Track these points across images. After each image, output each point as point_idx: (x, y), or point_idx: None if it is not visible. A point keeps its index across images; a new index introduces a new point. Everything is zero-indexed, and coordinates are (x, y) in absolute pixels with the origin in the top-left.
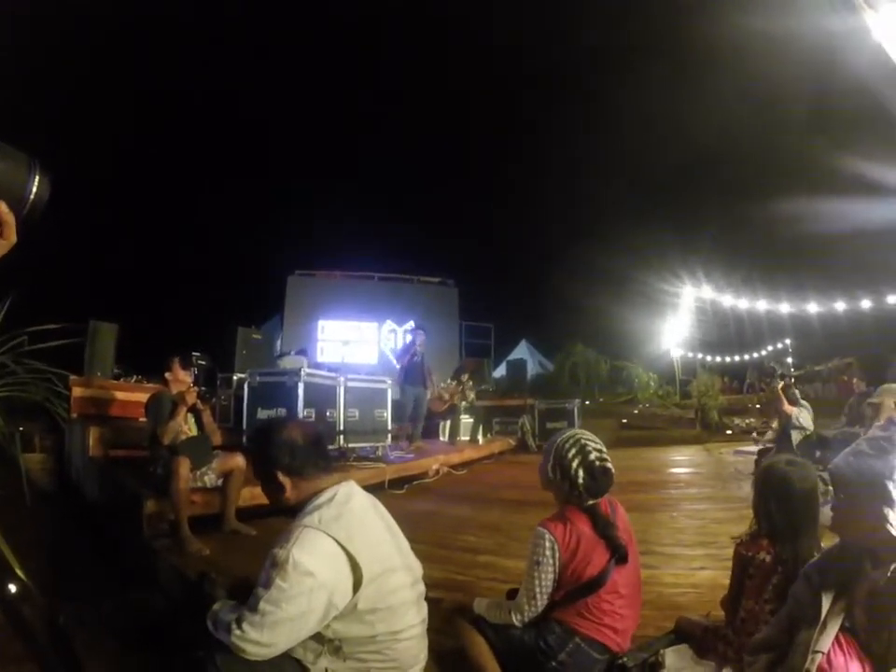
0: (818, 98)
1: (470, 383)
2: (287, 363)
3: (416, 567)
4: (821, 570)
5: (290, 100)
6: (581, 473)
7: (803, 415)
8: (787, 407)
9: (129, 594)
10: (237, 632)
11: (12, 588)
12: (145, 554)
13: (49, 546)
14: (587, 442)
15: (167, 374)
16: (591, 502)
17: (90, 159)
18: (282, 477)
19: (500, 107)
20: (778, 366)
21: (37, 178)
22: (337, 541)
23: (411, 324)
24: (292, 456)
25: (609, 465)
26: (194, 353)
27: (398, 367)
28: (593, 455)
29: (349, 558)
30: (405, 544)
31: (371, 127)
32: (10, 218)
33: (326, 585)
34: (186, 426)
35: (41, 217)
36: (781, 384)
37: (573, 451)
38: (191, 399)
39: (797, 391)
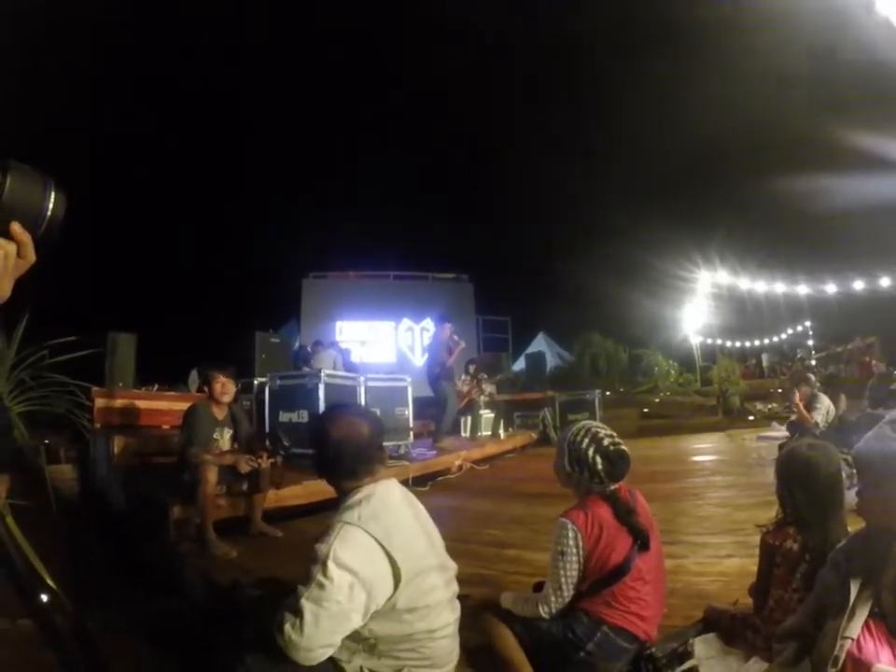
0: (829, 74)
1: (485, 376)
2: (320, 362)
3: (451, 565)
4: (848, 555)
5: (298, 102)
6: (598, 459)
7: (828, 409)
8: (809, 418)
9: (156, 599)
10: (280, 634)
11: (43, 598)
12: (171, 559)
13: (76, 554)
14: (598, 430)
15: (205, 388)
16: (612, 488)
17: (100, 166)
18: (317, 464)
19: (510, 100)
20: (801, 351)
21: (53, 196)
22: (376, 539)
23: (428, 320)
24: (328, 455)
25: (624, 447)
26: (195, 369)
27: (446, 365)
28: (606, 441)
29: (388, 556)
30: (440, 543)
31: (379, 124)
32: (27, 238)
33: (365, 582)
34: (220, 441)
35: (59, 234)
36: (798, 395)
37: (586, 440)
38: (243, 468)
39: (813, 376)
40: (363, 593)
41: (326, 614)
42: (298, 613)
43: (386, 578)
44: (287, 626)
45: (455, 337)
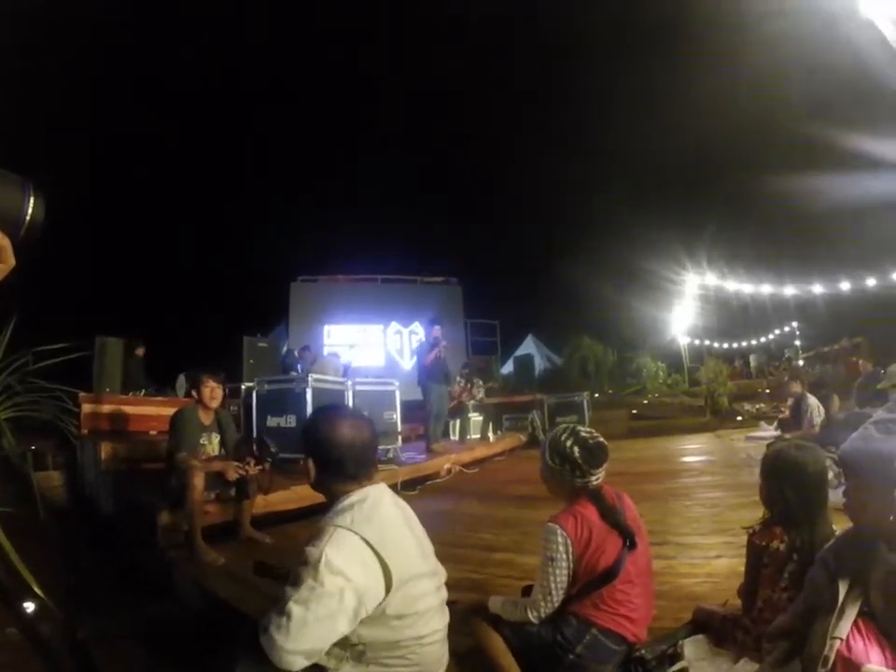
0: (815, 75)
1: (480, 382)
2: (321, 368)
3: (440, 572)
4: (837, 555)
5: (286, 105)
6: (576, 449)
7: (817, 409)
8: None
9: (145, 604)
10: (264, 635)
11: (30, 606)
12: (160, 566)
13: (64, 561)
14: (575, 426)
15: (193, 392)
16: (595, 482)
17: (88, 171)
18: (311, 465)
19: (499, 103)
20: (788, 351)
21: (32, 200)
22: (368, 544)
23: (417, 324)
24: (328, 458)
25: (602, 440)
26: (183, 373)
27: (425, 365)
28: (584, 434)
29: (380, 561)
30: (430, 548)
31: (369, 127)
32: (6, 242)
33: (357, 586)
34: (209, 446)
35: (39, 237)
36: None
37: (565, 435)
38: (232, 475)
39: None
40: (354, 598)
41: (313, 617)
42: (285, 615)
43: (378, 583)
44: (273, 627)
45: (439, 338)
